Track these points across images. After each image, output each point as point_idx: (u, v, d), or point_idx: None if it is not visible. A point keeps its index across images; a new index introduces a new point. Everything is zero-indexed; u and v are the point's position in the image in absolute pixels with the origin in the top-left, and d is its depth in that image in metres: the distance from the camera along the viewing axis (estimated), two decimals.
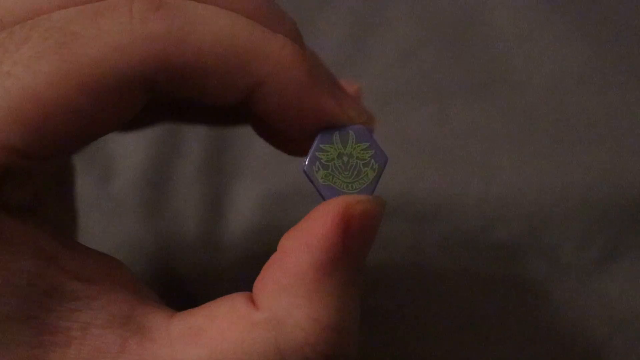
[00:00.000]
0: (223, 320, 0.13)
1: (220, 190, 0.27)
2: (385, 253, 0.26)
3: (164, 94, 0.13)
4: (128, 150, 0.28)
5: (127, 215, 0.26)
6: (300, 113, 0.14)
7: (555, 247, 0.26)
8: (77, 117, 0.12)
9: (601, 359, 0.24)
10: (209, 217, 0.26)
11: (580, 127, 0.28)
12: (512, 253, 0.26)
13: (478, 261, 0.25)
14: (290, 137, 0.16)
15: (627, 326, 0.24)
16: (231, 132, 0.28)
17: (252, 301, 0.13)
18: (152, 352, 0.12)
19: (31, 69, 0.11)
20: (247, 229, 0.26)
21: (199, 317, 0.13)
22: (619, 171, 0.27)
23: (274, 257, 0.13)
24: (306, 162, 0.14)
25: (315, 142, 0.14)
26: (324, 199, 0.14)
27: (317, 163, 0.14)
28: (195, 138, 0.28)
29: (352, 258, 0.13)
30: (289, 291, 0.12)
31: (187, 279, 0.25)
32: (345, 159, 0.14)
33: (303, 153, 0.15)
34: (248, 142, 0.28)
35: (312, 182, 0.14)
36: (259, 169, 0.28)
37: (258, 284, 0.13)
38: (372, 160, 0.14)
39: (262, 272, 0.13)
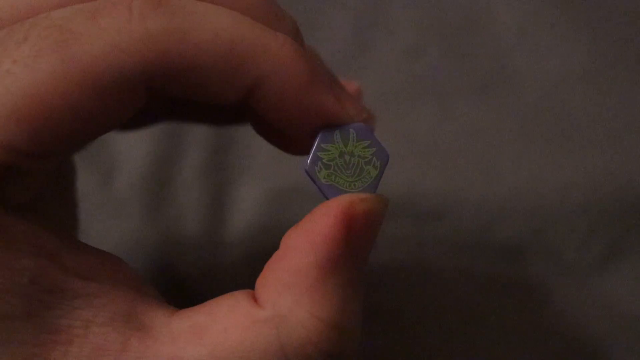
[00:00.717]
0: (225, 318, 0.13)
1: (222, 189, 0.27)
2: (386, 253, 0.25)
3: (164, 92, 0.13)
4: (130, 150, 0.28)
5: (129, 214, 0.26)
6: (300, 111, 0.13)
7: (557, 247, 0.26)
8: (77, 116, 0.12)
9: (603, 358, 0.24)
10: (211, 215, 0.27)
11: (582, 127, 0.28)
12: (514, 253, 0.26)
13: (480, 261, 0.25)
14: (291, 136, 0.16)
15: (628, 325, 0.24)
16: (232, 132, 0.28)
17: (254, 299, 0.13)
18: (154, 350, 0.12)
19: (31, 68, 0.11)
20: (249, 227, 0.26)
21: (201, 314, 0.13)
22: (621, 171, 0.27)
23: (277, 255, 0.13)
24: (308, 162, 0.14)
25: (317, 142, 0.14)
26: (326, 198, 0.14)
27: (319, 163, 0.14)
28: (196, 137, 0.28)
29: (356, 256, 0.13)
30: (291, 289, 0.12)
31: (189, 277, 0.25)
32: (346, 157, 0.14)
33: (303, 152, 0.14)
34: (249, 141, 0.28)
35: (314, 181, 0.14)
36: (260, 167, 0.28)
37: (260, 282, 0.13)
38: (374, 158, 0.14)
39: (265, 270, 0.13)
